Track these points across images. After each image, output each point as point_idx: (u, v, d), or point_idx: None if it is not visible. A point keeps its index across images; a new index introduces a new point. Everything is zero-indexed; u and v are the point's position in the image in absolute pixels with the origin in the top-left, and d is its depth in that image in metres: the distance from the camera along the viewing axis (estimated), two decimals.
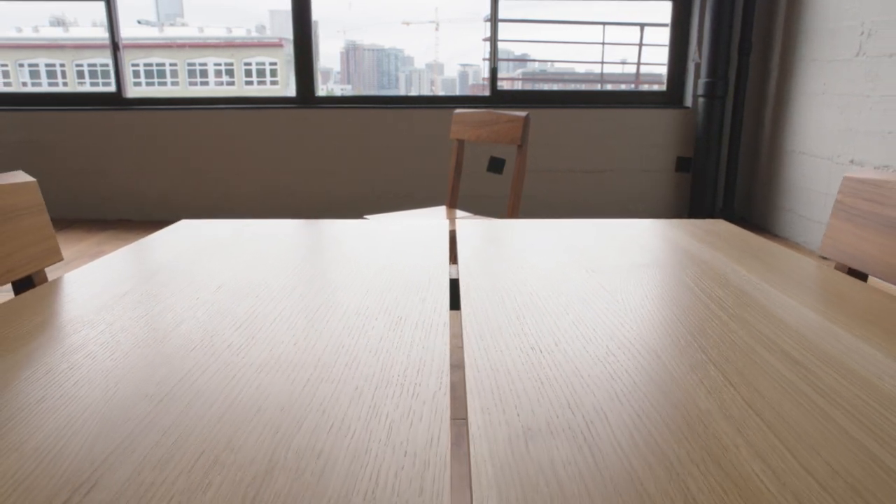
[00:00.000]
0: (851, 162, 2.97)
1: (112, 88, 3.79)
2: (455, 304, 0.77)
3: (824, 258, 2.84)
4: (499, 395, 0.46)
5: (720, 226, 1.03)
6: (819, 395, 0.46)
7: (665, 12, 3.69)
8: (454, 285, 0.80)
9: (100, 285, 0.72)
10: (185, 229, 1.01)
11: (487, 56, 3.73)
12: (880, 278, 0.76)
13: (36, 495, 0.35)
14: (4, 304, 0.66)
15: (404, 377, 0.48)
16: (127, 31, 3.79)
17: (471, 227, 1.02)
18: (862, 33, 2.87)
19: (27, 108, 3.69)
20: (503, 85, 3.71)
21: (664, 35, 3.72)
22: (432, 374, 0.49)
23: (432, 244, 0.90)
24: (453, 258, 0.88)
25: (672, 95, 3.72)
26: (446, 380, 0.48)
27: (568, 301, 0.66)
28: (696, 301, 0.66)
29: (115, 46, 3.72)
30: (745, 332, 0.58)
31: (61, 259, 0.83)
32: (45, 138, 3.70)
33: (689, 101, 3.65)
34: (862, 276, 0.82)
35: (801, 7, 3.23)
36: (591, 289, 0.70)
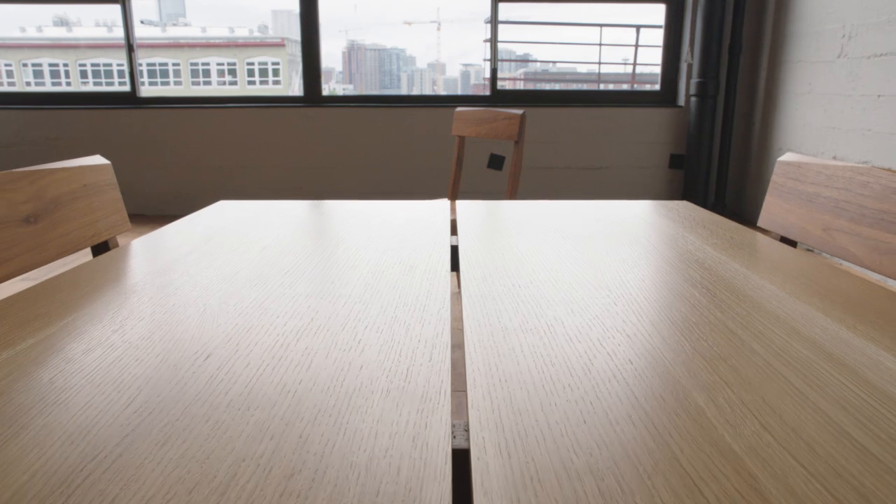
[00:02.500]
0: (834, 158, 3.13)
1: (120, 88, 3.96)
2: (455, 266, 0.94)
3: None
4: (485, 311, 0.62)
5: (682, 205, 1.19)
6: (719, 311, 0.63)
7: (660, 14, 3.85)
8: (454, 251, 0.96)
9: (165, 248, 0.88)
10: (224, 208, 1.17)
11: (488, 57, 3.89)
12: (798, 241, 0.92)
13: (174, 360, 0.51)
14: (94, 259, 0.82)
15: (416, 300, 0.65)
16: None
17: (469, 206, 1.18)
18: (843, 36, 3.03)
19: (45, 106, 3.87)
20: (504, 85, 3.87)
21: (659, 36, 3.88)
22: (437, 299, 0.65)
23: (436, 220, 1.07)
24: (454, 232, 1.05)
25: (665, 95, 3.88)
26: (447, 303, 0.64)
27: (545, 258, 0.82)
28: (646, 256, 0.83)
29: (129, 47, 3.90)
30: (679, 275, 0.75)
31: (130, 228, 0.99)
32: (62, 136, 3.87)
33: (681, 101, 3.81)
34: (791, 243, 0.98)
35: (788, 10, 3.39)
36: (564, 249, 0.86)
